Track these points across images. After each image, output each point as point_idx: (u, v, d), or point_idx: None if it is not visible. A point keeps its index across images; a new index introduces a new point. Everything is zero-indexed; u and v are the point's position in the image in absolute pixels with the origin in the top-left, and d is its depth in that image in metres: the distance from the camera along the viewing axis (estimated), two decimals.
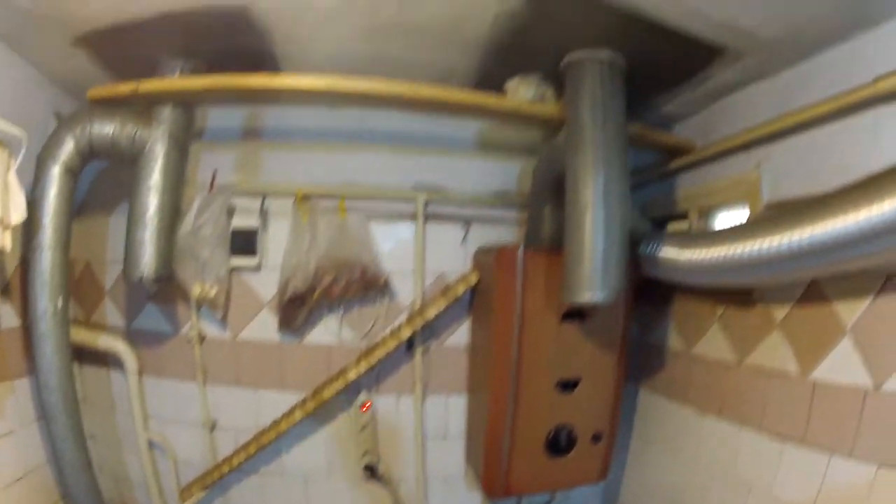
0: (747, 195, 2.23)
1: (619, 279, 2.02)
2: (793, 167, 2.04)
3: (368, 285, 2.71)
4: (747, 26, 1.86)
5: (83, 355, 2.70)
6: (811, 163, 1.95)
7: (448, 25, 2.05)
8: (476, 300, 2.79)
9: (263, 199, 2.72)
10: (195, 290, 2.58)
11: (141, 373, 2.73)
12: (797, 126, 1.96)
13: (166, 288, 2.72)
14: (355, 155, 2.84)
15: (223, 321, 2.76)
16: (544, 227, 2.54)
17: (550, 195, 2.43)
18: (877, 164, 1.56)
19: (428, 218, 2.85)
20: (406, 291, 2.85)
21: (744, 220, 2.23)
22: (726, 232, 1.90)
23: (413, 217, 2.83)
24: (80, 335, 2.61)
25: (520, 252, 2.35)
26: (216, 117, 2.75)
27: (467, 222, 2.89)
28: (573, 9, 1.86)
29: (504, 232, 2.95)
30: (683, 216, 2.66)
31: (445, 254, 2.88)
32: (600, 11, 1.83)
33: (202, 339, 2.75)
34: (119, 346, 2.68)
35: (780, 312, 2.03)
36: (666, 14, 1.84)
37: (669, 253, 2.11)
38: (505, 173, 2.98)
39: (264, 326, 2.76)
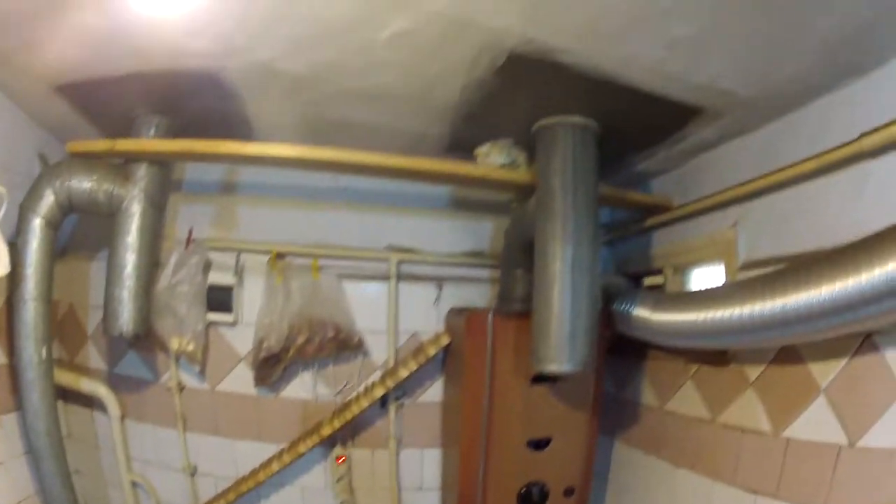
0: (723, 254, 2.20)
1: (587, 350, 1.99)
2: (770, 226, 1.99)
3: (342, 345, 2.69)
4: (725, 87, 1.82)
5: (68, 394, 2.67)
6: (790, 222, 1.90)
7: (416, 94, 2.04)
8: (448, 359, 2.77)
9: (238, 255, 2.70)
10: (173, 344, 2.56)
11: (123, 417, 2.69)
12: (776, 184, 1.92)
13: (147, 338, 2.67)
14: (330, 213, 2.83)
15: (201, 373, 2.74)
16: (516, 288, 2.50)
17: (522, 258, 2.39)
18: (860, 222, 1.55)
19: (401, 278, 2.85)
20: (380, 350, 2.84)
21: (718, 282, 2.21)
22: (699, 296, 1.89)
23: (386, 277, 2.81)
24: (64, 377, 2.58)
25: (489, 317, 2.33)
26: (195, 170, 2.73)
27: (440, 282, 2.89)
28: (543, 77, 1.83)
29: (477, 292, 2.95)
30: (659, 272, 2.62)
31: (418, 313, 2.87)
32: (572, 79, 1.80)
33: (181, 388, 2.72)
34: (101, 390, 2.65)
35: (753, 372, 2.00)
36: (640, 80, 1.81)
37: (642, 313, 2.11)
38: (478, 233, 2.98)
39: (241, 379, 2.74)
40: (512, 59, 1.74)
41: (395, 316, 2.84)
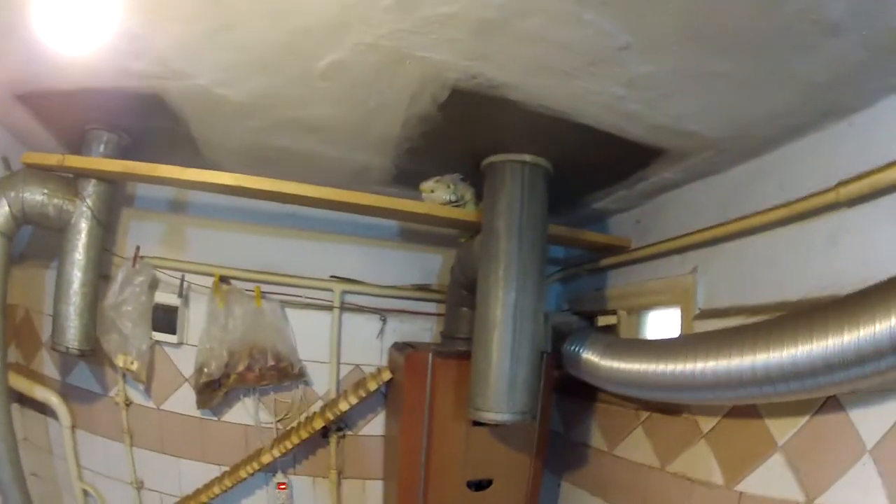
0: (681, 299, 2.06)
1: (527, 399, 1.85)
2: (732, 274, 1.85)
3: (283, 374, 2.54)
4: (690, 128, 1.68)
5: (24, 398, 2.56)
6: (754, 271, 1.76)
7: (355, 126, 1.92)
8: (390, 394, 2.64)
9: (183, 277, 2.55)
10: (118, 361, 2.43)
11: (74, 427, 2.57)
12: (741, 231, 1.77)
13: (94, 352, 2.53)
14: (275, 239, 2.70)
15: (147, 391, 2.61)
16: (461, 327, 2.35)
17: (467, 296, 2.24)
18: (831, 275, 1.47)
19: (345, 308, 2.72)
20: (321, 380, 2.71)
21: (674, 330, 2.09)
22: (653, 345, 1.76)
23: (330, 307, 2.68)
24: (19, 383, 2.48)
25: (430, 358, 2.18)
26: (147, 187, 2.56)
27: (384, 315, 2.75)
28: (491, 113, 1.69)
29: (422, 326, 2.83)
30: (613, 312, 2.48)
31: (361, 345, 2.75)
32: (522, 116, 1.67)
33: (129, 403, 2.59)
34: (53, 399, 2.53)
35: (706, 424, 1.87)
36: (597, 119, 1.68)
37: (591, 357, 1.97)
38: (426, 265, 2.86)
39: (186, 400, 2.60)
40: (456, 95, 1.61)
41: (338, 347, 2.70)
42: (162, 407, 2.61)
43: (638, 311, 2.39)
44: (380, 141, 2.02)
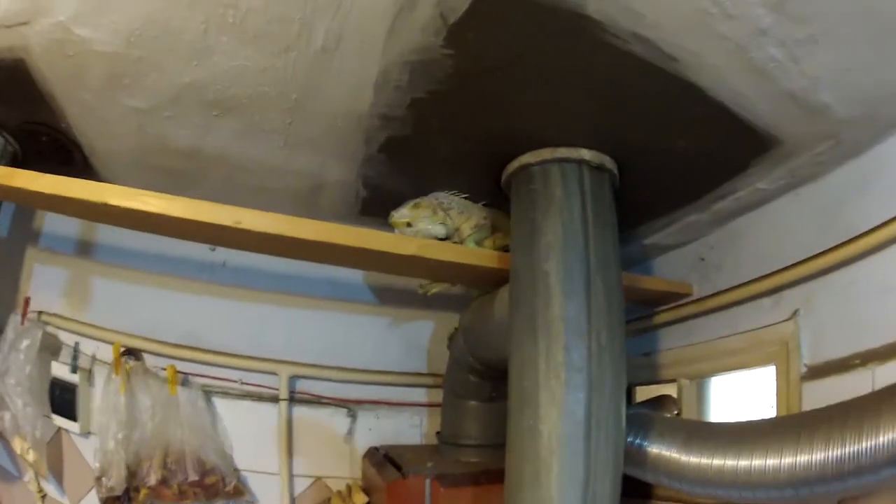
0: (777, 356, 1.40)
1: None
2: (845, 314, 1.25)
3: (212, 492, 1.66)
4: (824, 101, 1.06)
5: None
6: (871, 304, 1.19)
7: (294, 91, 1.19)
8: None
9: (77, 346, 1.72)
10: (15, 446, 1.63)
11: None
12: (854, 257, 1.20)
13: None
14: (201, 298, 1.87)
15: (60, 485, 1.76)
16: (468, 426, 1.58)
17: (478, 385, 1.49)
18: None
19: (296, 399, 1.88)
20: (270, 499, 1.81)
21: (765, 398, 1.45)
22: (762, 429, 1.10)
23: (275, 397, 1.85)
24: None
25: (427, 487, 1.35)
26: (53, 220, 1.82)
27: (354, 408, 1.93)
28: (538, 47, 1.00)
29: (408, 422, 2.01)
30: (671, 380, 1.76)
31: (323, 451, 1.89)
32: (589, 57, 0.98)
33: (43, 496, 1.75)
34: None
35: None
36: (714, 78, 1.01)
37: (667, 453, 1.23)
38: (408, 335, 2.05)
39: None
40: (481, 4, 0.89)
41: (289, 453, 1.82)
42: None
43: (704, 377, 1.68)
44: (336, 126, 1.24)
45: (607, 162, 1.26)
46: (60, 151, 1.48)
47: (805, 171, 1.30)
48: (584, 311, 1.12)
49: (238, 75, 1.11)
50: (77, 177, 1.16)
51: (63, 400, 1.71)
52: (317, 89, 1.13)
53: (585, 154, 1.22)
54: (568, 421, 1.05)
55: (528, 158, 1.26)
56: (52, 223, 1.82)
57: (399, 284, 2.02)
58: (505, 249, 1.42)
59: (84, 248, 1.84)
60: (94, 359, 1.75)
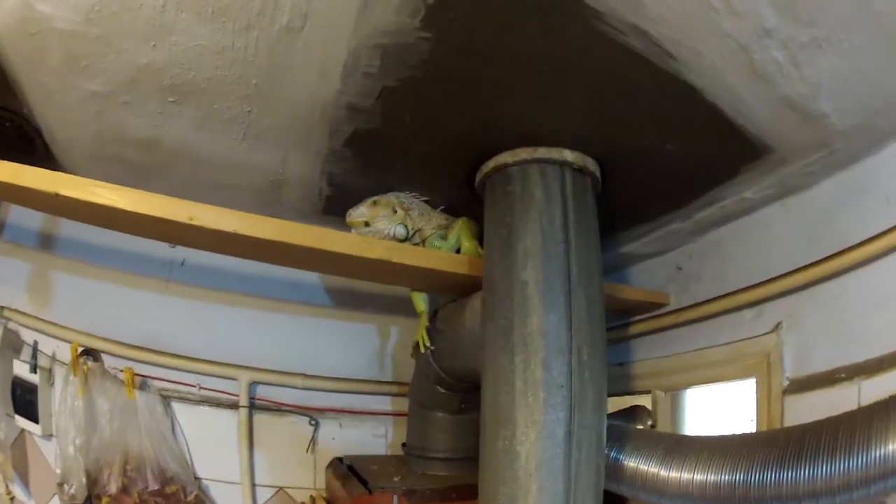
0: (757, 369, 1.35)
1: None
2: (831, 326, 1.22)
3: (174, 501, 1.55)
4: (823, 110, 1.01)
5: None
6: (860, 316, 1.15)
7: (255, 76, 1.08)
8: None
9: (36, 345, 1.60)
10: None
11: None
12: (844, 269, 1.16)
13: None
14: (160, 297, 1.75)
15: (27, 487, 1.64)
16: (436, 438, 1.47)
17: (446, 396, 1.39)
18: None
19: (257, 406, 1.77)
20: None
21: (745, 410, 1.40)
22: (750, 442, 1.05)
23: (235, 404, 1.73)
24: None
25: (394, 501, 1.26)
26: (18, 212, 1.68)
27: (315, 417, 1.82)
28: (528, 36, 0.91)
29: (372, 431, 1.90)
30: (642, 392, 1.70)
31: (285, 460, 1.77)
32: (585, 44, 0.89)
33: (12, 498, 1.64)
34: None
35: None
36: (714, 80, 0.95)
37: (645, 467, 1.16)
38: (373, 342, 1.95)
39: None
40: None
41: (250, 462, 1.71)
42: None
43: (681, 389, 1.61)
44: (299, 116, 1.14)
45: (590, 164, 1.17)
46: (23, 140, 1.35)
47: (794, 180, 1.25)
48: (565, 324, 1.03)
49: (196, 56, 0.99)
50: (38, 167, 1.03)
51: (24, 400, 1.60)
52: (279, 73, 1.02)
53: (568, 155, 1.14)
54: (547, 442, 0.96)
55: (505, 158, 1.17)
56: (17, 215, 1.69)
57: (364, 289, 1.92)
58: None
59: (46, 242, 1.72)
60: (53, 358, 1.63)
